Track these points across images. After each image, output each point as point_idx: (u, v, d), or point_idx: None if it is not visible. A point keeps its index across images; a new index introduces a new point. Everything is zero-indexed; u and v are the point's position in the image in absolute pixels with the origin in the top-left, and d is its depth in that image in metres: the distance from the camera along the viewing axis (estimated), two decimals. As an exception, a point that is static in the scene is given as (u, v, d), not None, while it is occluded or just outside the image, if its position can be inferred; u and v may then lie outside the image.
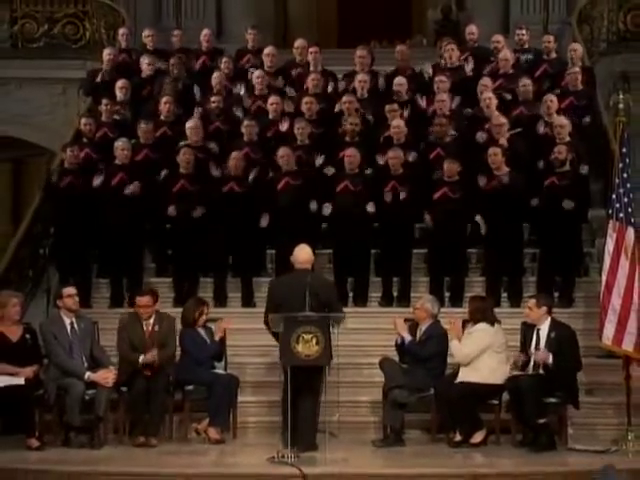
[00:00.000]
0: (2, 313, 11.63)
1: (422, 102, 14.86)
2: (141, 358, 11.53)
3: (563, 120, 13.56)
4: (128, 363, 11.64)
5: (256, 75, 15.16)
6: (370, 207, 13.28)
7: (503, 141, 13.68)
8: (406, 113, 14.57)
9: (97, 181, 13.62)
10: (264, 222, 13.49)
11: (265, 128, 14.42)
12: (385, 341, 11.96)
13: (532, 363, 11.36)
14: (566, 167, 13.18)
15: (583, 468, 10.50)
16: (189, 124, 14.15)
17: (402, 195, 13.24)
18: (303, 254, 11.23)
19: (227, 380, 11.73)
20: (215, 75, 15.16)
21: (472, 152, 13.89)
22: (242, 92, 15.28)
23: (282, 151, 13.62)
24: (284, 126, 14.44)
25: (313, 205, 13.43)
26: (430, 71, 15.53)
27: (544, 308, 11.54)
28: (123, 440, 11.49)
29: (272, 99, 14.66)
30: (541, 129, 14.01)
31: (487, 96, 14.21)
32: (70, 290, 11.86)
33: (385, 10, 20.70)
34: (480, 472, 10.56)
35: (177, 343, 11.93)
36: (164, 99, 14.65)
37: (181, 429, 11.78)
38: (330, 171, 13.84)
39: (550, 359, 11.22)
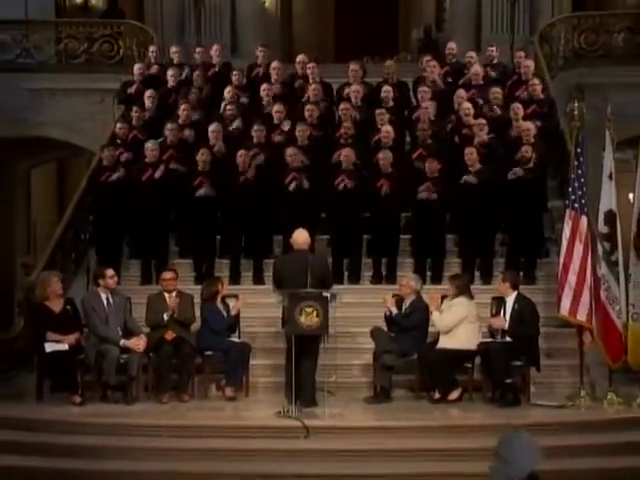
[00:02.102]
0: (47, 291, 11.79)
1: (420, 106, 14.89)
2: (165, 315, 11.74)
3: (529, 124, 13.52)
4: (154, 328, 11.80)
5: (263, 87, 15.19)
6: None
7: (484, 137, 13.74)
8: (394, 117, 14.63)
9: (115, 176, 13.67)
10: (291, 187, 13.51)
11: (271, 131, 14.44)
12: (375, 313, 11.97)
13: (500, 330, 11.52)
14: (530, 164, 13.22)
15: (543, 420, 10.69)
16: (211, 128, 14.17)
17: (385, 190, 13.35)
18: (301, 237, 11.32)
19: (240, 347, 11.82)
20: (228, 88, 15.16)
21: (450, 152, 13.93)
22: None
23: (290, 151, 13.65)
24: (285, 127, 14.48)
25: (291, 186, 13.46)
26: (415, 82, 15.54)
27: (510, 284, 11.65)
28: (152, 397, 11.54)
29: (276, 107, 14.70)
30: (512, 132, 14.06)
31: (466, 106, 14.21)
32: (111, 271, 11.97)
33: (375, 30, 20.65)
34: (456, 424, 10.72)
35: (196, 315, 11.98)
36: (182, 107, 14.68)
37: (201, 388, 11.82)
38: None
39: (506, 325, 11.39)
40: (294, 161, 13.59)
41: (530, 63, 15.00)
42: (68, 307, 11.72)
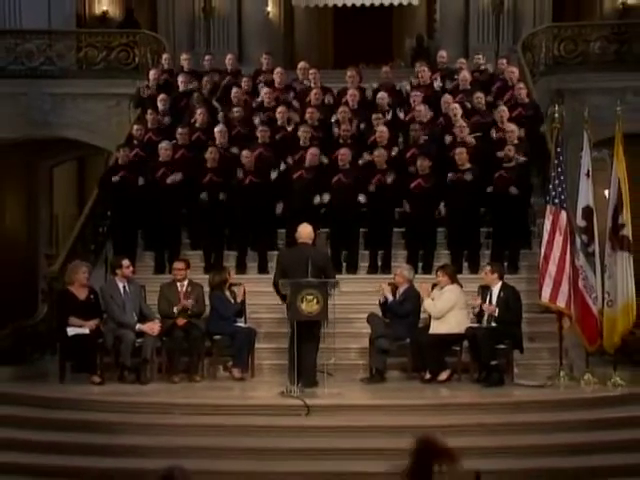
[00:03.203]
0: (74, 278, 11.82)
1: (400, 113, 14.90)
2: (175, 309, 11.75)
3: (513, 127, 13.51)
4: (165, 316, 11.80)
5: (264, 91, 15.18)
6: (361, 197, 13.34)
7: (469, 139, 13.70)
8: (388, 116, 14.63)
9: (141, 181, 13.69)
10: (279, 209, 13.54)
11: (275, 132, 14.46)
12: (371, 301, 11.98)
13: (486, 315, 11.50)
14: (513, 163, 13.22)
15: (526, 399, 10.73)
16: (217, 129, 14.18)
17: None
18: (305, 231, 11.32)
19: (247, 331, 11.85)
20: (234, 90, 15.16)
21: (441, 151, 13.94)
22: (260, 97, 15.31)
23: (313, 150, 13.62)
24: (289, 128, 14.48)
25: (316, 199, 13.50)
26: (408, 87, 15.58)
27: (496, 274, 11.70)
28: (165, 378, 11.57)
29: (280, 109, 14.71)
30: (494, 134, 14.06)
31: (454, 107, 14.25)
32: (127, 262, 12.02)
33: (371, 39, 20.65)
34: (445, 402, 10.78)
35: (205, 303, 12.02)
36: (199, 110, 14.66)
37: (210, 369, 11.87)
38: (324, 160, 13.87)
39: (496, 312, 11.42)
40: (312, 161, 13.57)
41: (515, 69, 15.00)
42: (92, 296, 11.78)
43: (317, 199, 13.46)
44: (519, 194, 13.07)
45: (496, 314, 11.41)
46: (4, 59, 16.70)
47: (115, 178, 13.70)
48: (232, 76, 15.97)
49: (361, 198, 13.27)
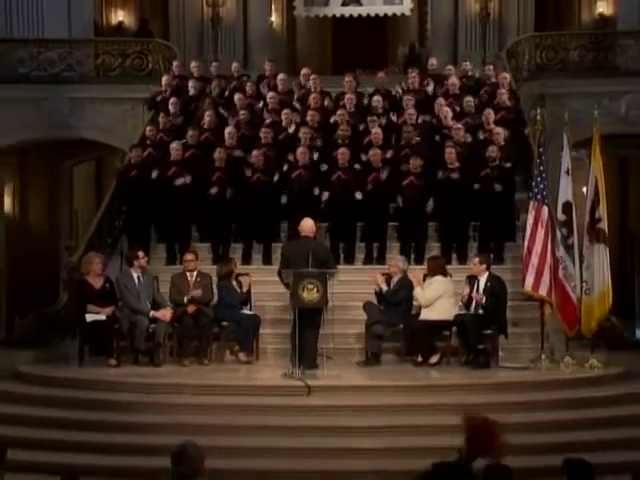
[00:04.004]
0: (89, 268, 11.82)
1: (394, 116, 14.87)
2: (185, 298, 11.73)
3: (499, 129, 13.47)
4: (176, 304, 11.78)
5: (270, 95, 15.14)
6: (358, 195, 13.30)
7: (464, 139, 13.65)
8: (383, 119, 14.60)
9: (154, 174, 13.66)
10: (284, 199, 13.49)
11: (278, 133, 14.42)
12: (367, 290, 11.96)
13: (474, 303, 11.49)
14: (497, 162, 13.17)
15: (510, 380, 10.76)
16: (227, 130, 14.10)
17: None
18: (308, 225, 11.28)
19: (252, 318, 11.84)
20: (238, 96, 15.09)
21: (431, 151, 13.91)
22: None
23: (301, 150, 13.58)
24: (291, 128, 14.44)
25: (316, 191, 13.49)
26: (400, 91, 15.54)
27: (484, 265, 11.68)
28: (176, 361, 11.58)
29: (285, 112, 14.62)
30: (481, 135, 14.02)
31: (445, 110, 14.19)
32: (141, 253, 12.04)
33: (367, 47, 20.64)
34: (435, 383, 10.78)
35: (213, 292, 11.99)
36: (207, 113, 14.65)
37: (218, 353, 11.88)
38: (324, 167, 13.83)
39: (484, 300, 11.41)
40: (303, 159, 13.52)
41: (507, 75, 14.95)
42: (107, 284, 11.77)
43: (316, 191, 13.39)
44: (503, 191, 13.04)
45: (484, 302, 11.40)
46: (28, 66, 16.69)
47: (130, 175, 13.68)
48: (237, 81, 15.90)
49: (358, 195, 13.23)
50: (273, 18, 19.99)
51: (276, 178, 13.61)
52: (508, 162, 13.19)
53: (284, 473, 8.97)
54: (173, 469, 6.20)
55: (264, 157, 13.59)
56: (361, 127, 14.55)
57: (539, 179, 11.63)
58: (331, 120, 14.70)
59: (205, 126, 14.52)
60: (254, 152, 13.60)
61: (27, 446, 9.16)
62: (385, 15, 19.13)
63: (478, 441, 5.59)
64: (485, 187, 13.08)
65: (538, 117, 12.02)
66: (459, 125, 13.76)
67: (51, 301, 13.54)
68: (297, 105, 15.24)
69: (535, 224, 11.50)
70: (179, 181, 13.46)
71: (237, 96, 15.07)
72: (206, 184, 13.54)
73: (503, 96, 14.41)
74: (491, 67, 15.45)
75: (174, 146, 13.76)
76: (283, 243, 12.63)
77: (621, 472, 6.28)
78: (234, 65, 16.15)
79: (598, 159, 11.56)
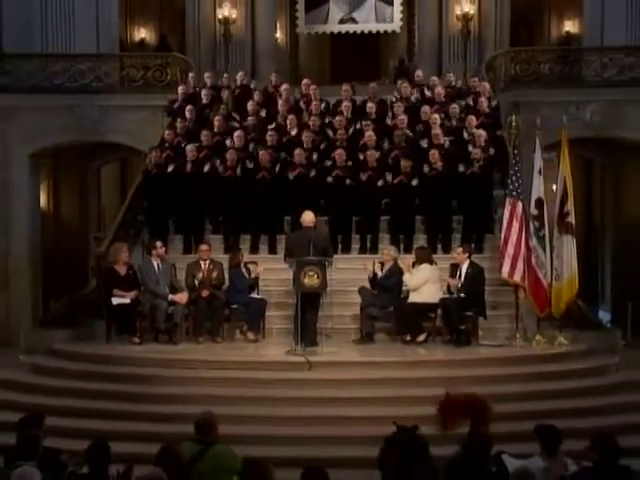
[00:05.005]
0: (117, 257, 11.83)
1: (389, 120, 14.77)
2: (196, 281, 11.73)
3: (480, 132, 13.41)
4: (191, 289, 11.76)
5: (280, 103, 14.99)
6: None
7: (443, 142, 13.52)
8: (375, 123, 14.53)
9: (170, 168, 13.61)
10: (291, 176, 13.36)
11: (282, 136, 14.37)
12: (362, 276, 11.92)
13: (454, 288, 11.50)
14: (480, 162, 13.10)
15: (488, 356, 10.83)
16: (236, 133, 14.02)
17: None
18: (308, 217, 11.26)
19: (259, 301, 11.84)
20: (250, 103, 15.06)
21: (420, 153, 13.85)
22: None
23: (298, 151, 13.54)
24: (293, 132, 14.37)
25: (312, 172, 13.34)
26: (394, 99, 15.39)
27: (466, 254, 11.67)
28: (191, 339, 11.60)
29: (290, 117, 14.48)
30: (466, 137, 13.97)
31: (433, 117, 14.07)
32: (160, 244, 12.04)
33: (362, 60, 20.63)
34: (422, 359, 10.84)
35: (225, 277, 11.97)
36: (217, 118, 14.60)
37: (229, 333, 11.85)
38: (328, 163, 13.78)
39: (459, 285, 11.40)
40: (300, 158, 13.47)
41: (486, 85, 14.90)
42: (130, 271, 11.77)
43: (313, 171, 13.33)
44: (484, 188, 12.99)
45: (459, 286, 11.37)
46: (61, 77, 16.69)
47: (152, 173, 13.66)
48: (241, 89, 15.80)
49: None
50: (278, 34, 19.89)
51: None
52: (486, 157, 13.10)
53: (288, 438, 9.02)
54: (196, 436, 6.33)
55: (269, 157, 13.53)
56: (351, 129, 14.47)
57: (514, 177, 11.62)
58: (327, 121, 14.60)
59: (215, 130, 14.45)
60: (261, 152, 13.52)
61: (61, 414, 9.21)
62: (377, 32, 19.06)
63: (472, 414, 5.61)
64: (467, 184, 13.00)
65: (513, 123, 12.07)
66: (438, 131, 13.70)
67: (81, 286, 13.54)
68: (303, 105, 15.13)
69: (511, 218, 11.50)
70: (206, 168, 13.47)
71: (250, 103, 14.97)
72: (218, 181, 13.50)
73: (483, 104, 14.36)
74: (476, 79, 15.41)
75: (189, 148, 13.70)
76: (287, 233, 12.59)
77: (584, 437, 6.30)
78: (239, 74, 16.04)
79: (566, 160, 11.57)
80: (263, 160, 13.44)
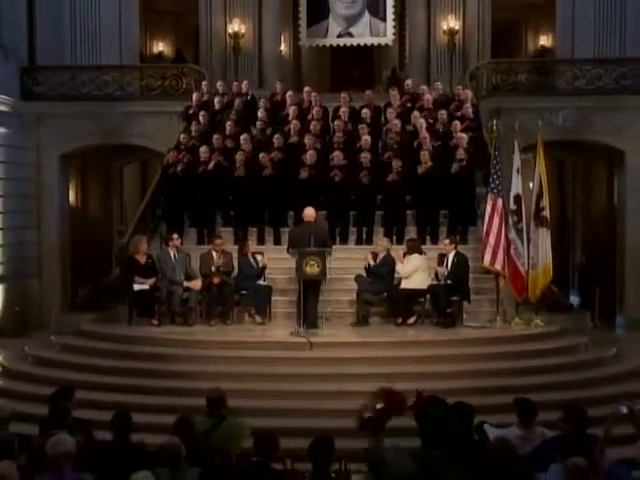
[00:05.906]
0: (138, 248, 11.81)
1: (385, 124, 14.67)
2: (213, 267, 11.69)
3: (464, 135, 13.33)
4: (205, 276, 11.73)
5: (292, 109, 14.72)
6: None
7: (430, 145, 13.42)
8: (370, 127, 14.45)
9: (179, 167, 13.47)
10: (304, 174, 13.24)
11: (286, 139, 14.29)
12: (358, 265, 11.90)
13: (441, 275, 11.49)
14: (464, 162, 12.99)
15: (472, 336, 10.82)
16: (242, 137, 13.97)
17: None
18: (309, 212, 11.30)
19: (265, 288, 11.82)
20: (260, 110, 14.95)
21: (410, 154, 13.80)
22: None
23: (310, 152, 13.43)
24: (294, 138, 14.31)
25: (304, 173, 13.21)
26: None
27: (452, 245, 11.65)
28: (205, 322, 11.57)
29: (294, 122, 14.35)
30: (453, 141, 13.91)
31: (421, 122, 14.02)
32: (176, 236, 12.03)
33: (358, 70, 20.63)
34: (412, 340, 10.79)
35: (234, 266, 11.94)
36: (228, 123, 14.56)
37: (238, 316, 11.84)
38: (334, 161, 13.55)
39: (446, 273, 11.38)
40: (312, 159, 13.36)
41: (469, 92, 14.84)
42: (149, 260, 11.76)
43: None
44: (468, 185, 12.95)
45: (446, 274, 11.36)
46: (88, 86, 16.77)
47: (169, 172, 13.61)
48: (244, 96, 15.69)
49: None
50: (282, 47, 19.82)
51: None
52: (469, 158, 13.04)
53: (291, 411, 9.04)
54: (208, 410, 6.44)
55: (269, 158, 13.44)
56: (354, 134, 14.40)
57: (495, 176, 11.61)
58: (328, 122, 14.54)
59: (227, 133, 14.41)
60: (260, 155, 13.41)
61: (88, 388, 9.21)
62: (372, 45, 19.04)
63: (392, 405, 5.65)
64: (453, 182, 12.90)
65: (494, 127, 12.05)
66: (426, 135, 13.65)
67: (106, 274, 13.57)
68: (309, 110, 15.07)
69: (492, 212, 11.47)
70: (210, 165, 13.39)
71: (260, 110, 14.88)
72: (229, 180, 13.44)
73: (468, 109, 14.32)
74: (460, 87, 15.37)
75: (202, 150, 13.65)
76: (290, 228, 12.56)
77: (557, 409, 6.31)
78: (244, 83, 15.96)
79: (542, 161, 11.61)
80: (263, 161, 13.37)
